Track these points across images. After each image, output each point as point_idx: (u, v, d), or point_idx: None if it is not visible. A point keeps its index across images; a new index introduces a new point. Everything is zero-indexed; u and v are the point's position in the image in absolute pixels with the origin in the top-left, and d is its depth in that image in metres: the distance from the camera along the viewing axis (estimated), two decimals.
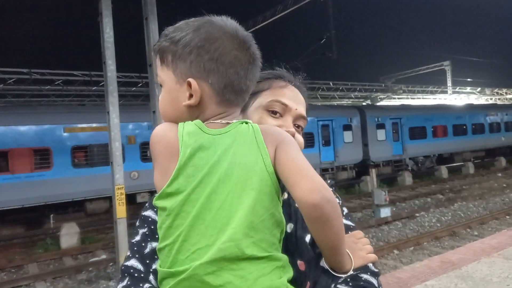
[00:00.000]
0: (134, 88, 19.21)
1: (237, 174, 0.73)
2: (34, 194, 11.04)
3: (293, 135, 0.91)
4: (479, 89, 33.13)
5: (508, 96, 35.10)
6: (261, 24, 18.46)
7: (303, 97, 1.00)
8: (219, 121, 0.79)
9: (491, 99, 33.97)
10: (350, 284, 0.78)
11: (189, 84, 0.78)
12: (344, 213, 0.92)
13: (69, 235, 10.37)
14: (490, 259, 4.68)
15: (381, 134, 19.66)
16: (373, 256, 0.83)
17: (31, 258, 9.36)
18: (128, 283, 0.80)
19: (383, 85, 28.88)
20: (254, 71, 0.82)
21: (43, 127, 11.70)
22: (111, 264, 8.63)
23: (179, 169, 0.75)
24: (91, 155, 12.33)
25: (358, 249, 0.82)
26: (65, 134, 12.00)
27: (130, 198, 11.90)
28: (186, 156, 0.75)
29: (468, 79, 32.04)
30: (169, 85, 0.81)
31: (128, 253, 0.86)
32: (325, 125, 17.78)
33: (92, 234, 11.43)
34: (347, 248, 0.80)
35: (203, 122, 0.79)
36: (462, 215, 11.61)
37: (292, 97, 0.96)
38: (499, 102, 32.57)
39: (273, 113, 0.94)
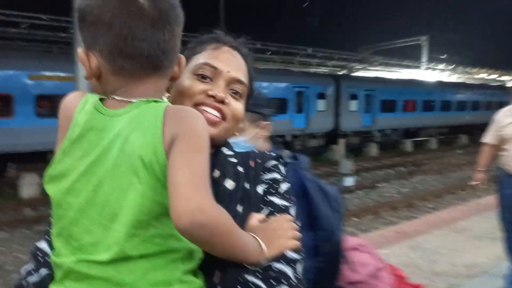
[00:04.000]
0: None
1: (125, 165, 0.65)
2: None
3: (223, 101, 0.83)
4: (452, 66, 33.84)
5: (476, 76, 36.11)
6: None
7: (243, 60, 0.91)
8: (120, 98, 0.70)
9: (461, 77, 34.85)
10: (260, 276, 0.71)
11: None
12: (280, 191, 0.84)
13: (29, 185, 10.16)
14: (441, 232, 4.99)
15: (353, 105, 19.95)
16: (291, 243, 0.76)
17: None
18: (32, 266, 0.80)
19: (360, 55, 28.94)
20: (149, 29, 0.68)
21: (6, 72, 11.08)
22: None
23: (64, 150, 0.69)
24: (57, 106, 11.80)
25: (275, 237, 0.75)
26: (29, 81, 11.43)
27: None
28: (74, 136, 0.69)
29: (442, 56, 32.55)
30: None
31: (43, 233, 0.84)
32: (300, 92, 17.79)
33: None
34: (263, 237, 0.74)
35: (109, 96, 0.71)
36: (421, 187, 12.19)
37: (225, 59, 0.86)
38: (468, 81, 33.52)
39: (202, 77, 0.85)
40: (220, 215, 0.66)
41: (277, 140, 16.85)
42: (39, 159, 11.78)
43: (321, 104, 18.67)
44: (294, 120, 17.49)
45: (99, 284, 0.66)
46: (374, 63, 29.34)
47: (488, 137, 3.52)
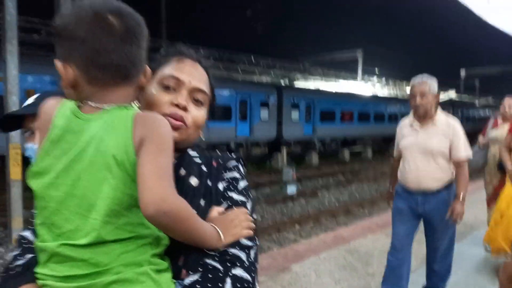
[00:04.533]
0: (37, 36, 17.14)
1: (100, 163, 0.75)
2: None
3: (185, 108, 0.92)
4: (383, 80, 36.18)
5: (406, 90, 38.98)
6: None
7: (204, 71, 1.00)
8: (94, 104, 0.79)
9: (393, 90, 37.39)
10: (216, 258, 0.83)
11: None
12: (239, 188, 0.95)
13: None
14: (374, 236, 5.32)
15: (295, 114, 20.58)
16: (245, 232, 0.87)
17: None
18: (19, 252, 0.88)
19: (301, 65, 29.89)
20: (118, 43, 0.78)
21: None
22: (0, 229, 7.91)
23: (45, 150, 0.78)
24: None
25: (232, 227, 0.86)
26: None
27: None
28: (54, 138, 0.78)
29: (376, 69, 34.66)
30: None
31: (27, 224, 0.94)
32: (244, 100, 18.00)
33: None
34: (221, 226, 0.85)
35: (84, 102, 0.80)
36: (357, 195, 12.87)
37: (188, 72, 0.95)
38: (399, 94, 36.04)
39: (167, 88, 0.93)
40: (180, 205, 0.76)
41: (223, 148, 16.86)
42: None
43: (264, 113, 19.03)
44: (238, 128, 17.65)
45: (79, 265, 0.75)
46: (314, 73, 30.48)
47: (394, 152, 3.35)
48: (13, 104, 6.52)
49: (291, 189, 11.72)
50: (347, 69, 31.55)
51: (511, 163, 3.68)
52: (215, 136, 16.16)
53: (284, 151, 17.99)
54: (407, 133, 3.12)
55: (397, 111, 28.26)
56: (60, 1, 6.78)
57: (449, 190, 3.02)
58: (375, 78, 35.28)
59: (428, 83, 2.93)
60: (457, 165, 3.00)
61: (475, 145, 4.68)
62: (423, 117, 3.00)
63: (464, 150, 2.96)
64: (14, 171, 6.60)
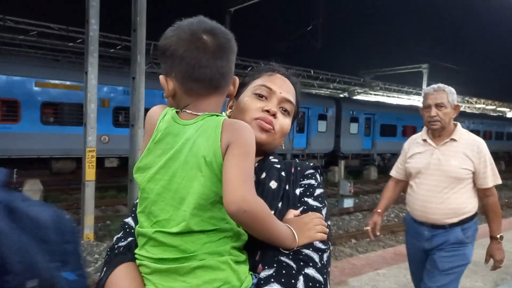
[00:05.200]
0: (113, 50, 18.60)
1: (192, 162, 0.85)
2: None
3: (274, 114, 1.03)
4: None
5: (477, 106, 36.56)
6: (248, 2, 18.27)
7: (292, 86, 1.11)
8: (189, 111, 0.90)
9: (461, 106, 35.20)
10: (291, 257, 0.88)
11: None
12: (315, 195, 1.02)
13: (32, 191, 10.19)
14: None
15: (353, 128, 20.14)
16: (319, 236, 0.93)
17: None
18: (122, 235, 1.02)
19: (361, 79, 29.33)
20: (210, 59, 0.88)
21: (13, 78, 11.25)
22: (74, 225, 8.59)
23: (149, 149, 0.90)
24: (62, 113, 12.00)
25: (306, 229, 0.92)
26: (36, 88, 11.60)
27: (98, 162, 11.77)
28: (156, 139, 0.89)
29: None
30: None
31: (129, 212, 1.08)
32: (301, 112, 17.99)
33: (55, 193, 11.24)
34: (296, 228, 0.91)
35: (182, 110, 0.91)
36: None
37: (278, 83, 1.07)
38: (467, 110, 33.90)
39: (260, 96, 1.04)
40: (259, 206, 0.84)
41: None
42: (42, 166, 11.84)
43: (321, 125, 18.86)
44: (295, 140, 17.66)
45: (170, 250, 0.86)
46: (375, 87, 29.70)
47: (394, 170, 2.83)
48: (91, 111, 7.15)
49: (348, 203, 11.46)
50: (411, 84, 30.37)
51: None
52: None
53: (342, 164, 17.65)
54: (419, 151, 2.59)
55: (464, 128, 26.52)
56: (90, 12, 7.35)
57: (466, 227, 2.43)
58: None
59: (446, 91, 2.46)
60: (485, 194, 2.44)
61: None
62: (439, 133, 2.51)
63: (492, 176, 2.41)
64: (89, 172, 7.20)
